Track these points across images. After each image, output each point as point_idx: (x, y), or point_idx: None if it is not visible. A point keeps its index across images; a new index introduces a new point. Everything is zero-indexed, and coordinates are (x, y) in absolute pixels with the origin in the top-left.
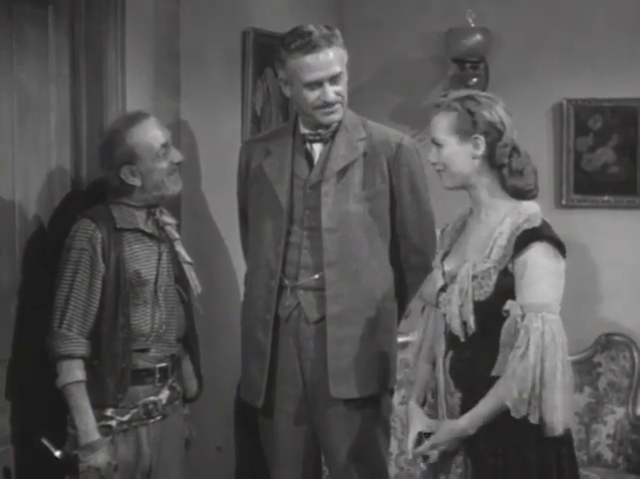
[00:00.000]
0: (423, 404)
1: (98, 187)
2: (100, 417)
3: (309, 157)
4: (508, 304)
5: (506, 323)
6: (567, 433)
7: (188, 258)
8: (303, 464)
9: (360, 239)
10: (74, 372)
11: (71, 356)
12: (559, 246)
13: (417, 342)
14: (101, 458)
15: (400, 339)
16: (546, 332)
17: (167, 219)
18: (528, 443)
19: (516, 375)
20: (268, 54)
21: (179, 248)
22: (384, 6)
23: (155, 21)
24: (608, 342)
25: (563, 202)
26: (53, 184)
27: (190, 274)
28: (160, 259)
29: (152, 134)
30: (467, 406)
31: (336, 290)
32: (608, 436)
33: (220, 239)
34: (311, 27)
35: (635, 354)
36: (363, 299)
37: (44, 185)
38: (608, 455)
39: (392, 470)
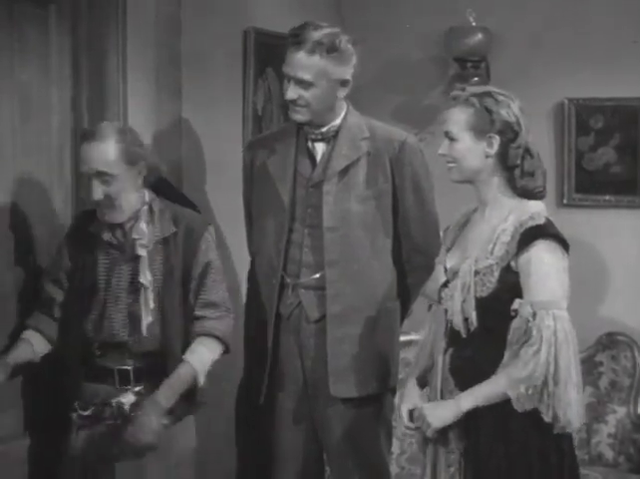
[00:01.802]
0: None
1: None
2: (71, 407)
3: (312, 156)
4: (517, 303)
5: (516, 323)
6: (561, 432)
7: (145, 280)
8: (304, 462)
9: (361, 238)
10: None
11: (27, 326)
12: (563, 244)
13: (423, 340)
14: None
15: (402, 339)
16: (559, 330)
17: (136, 234)
18: (530, 441)
19: (527, 370)
20: (269, 53)
21: (141, 266)
22: (384, 5)
23: (155, 22)
24: (610, 342)
25: (565, 201)
26: (54, 185)
27: (145, 297)
28: (111, 269)
29: (84, 156)
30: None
31: (337, 290)
32: (609, 435)
33: (222, 239)
34: (311, 27)
35: (636, 354)
36: (364, 299)
37: (45, 185)
38: (609, 454)
39: (393, 469)
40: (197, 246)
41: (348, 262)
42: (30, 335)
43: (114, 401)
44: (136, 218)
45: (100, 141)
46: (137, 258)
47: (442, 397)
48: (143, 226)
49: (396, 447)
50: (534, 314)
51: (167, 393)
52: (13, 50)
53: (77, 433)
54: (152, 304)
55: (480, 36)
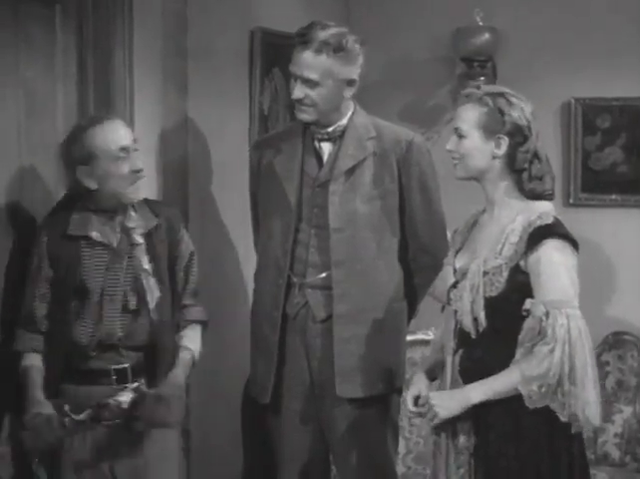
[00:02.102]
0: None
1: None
2: (58, 411)
3: (318, 155)
4: (529, 303)
5: (529, 323)
6: (578, 432)
7: (146, 266)
8: (310, 463)
9: (368, 238)
10: (21, 363)
11: (22, 351)
12: (572, 243)
13: (435, 338)
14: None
15: (408, 338)
16: (572, 329)
17: (133, 223)
18: (541, 442)
19: (541, 369)
20: (276, 53)
21: (139, 254)
22: (392, 5)
23: (162, 20)
24: (616, 341)
25: (571, 200)
26: (60, 184)
27: (147, 283)
28: (107, 269)
29: (111, 136)
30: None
31: (343, 290)
32: (616, 435)
33: (228, 238)
34: (319, 26)
35: None
36: (370, 299)
37: (51, 185)
38: (616, 454)
39: (399, 469)
40: (181, 238)
41: (354, 263)
42: (32, 359)
43: (111, 401)
44: (124, 208)
45: (115, 119)
46: (130, 252)
47: None
48: (134, 214)
49: (402, 447)
50: (547, 314)
51: (183, 376)
52: (19, 49)
53: (71, 438)
54: (156, 292)
55: (486, 36)
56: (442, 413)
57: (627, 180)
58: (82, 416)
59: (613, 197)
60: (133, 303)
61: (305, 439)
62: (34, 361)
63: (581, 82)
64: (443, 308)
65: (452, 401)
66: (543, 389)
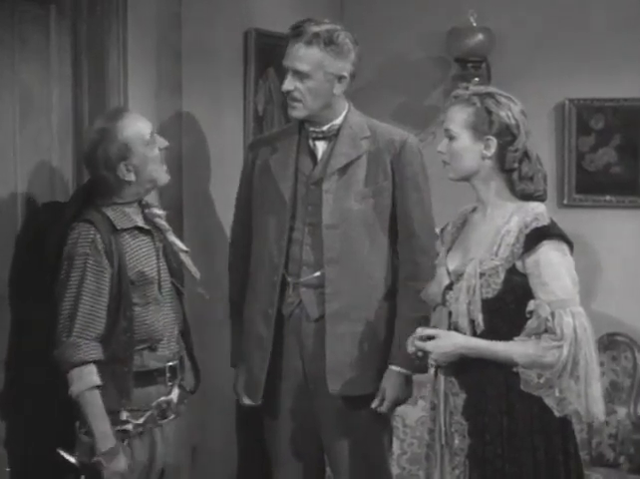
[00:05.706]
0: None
1: (81, 193)
2: (115, 421)
3: (313, 154)
4: (533, 305)
5: (533, 322)
6: (572, 431)
7: (184, 246)
8: (305, 463)
9: (361, 236)
10: (86, 379)
11: (83, 363)
12: (568, 244)
13: None
14: (122, 462)
15: None
16: (579, 327)
17: (156, 210)
18: (536, 443)
19: (545, 359)
20: (270, 54)
21: (173, 238)
22: (386, 5)
23: (156, 21)
24: (610, 342)
25: (565, 201)
26: (55, 184)
27: (188, 262)
28: (158, 256)
29: (139, 124)
30: (471, 408)
31: (335, 288)
32: (610, 436)
33: (223, 238)
34: (313, 21)
35: (637, 354)
36: (363, 297)
37: (46, 185)
38: (610, 455)
39: (394, 470)
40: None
41: (347, 260)
42: (93, 374)
43: (168, 399)
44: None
45: (129, 110)
46: (162, 237)
47: (445, 400)
48: (152, 204)
49: (396, 448)
50: (553, 314)
51: None
52: (14, 49)
53: (130, 443)
54: (194, 266)
55: (480, 36)
56: (435, 351)
57: (621, 181)
58: (142, 420)
59: (607, 198)
60: (179, 287)
61: (299, 438)
62: (91, 380)
63: (575, 83)
64: (434, 309)
65: (451, 356)
66: (542, 380)
